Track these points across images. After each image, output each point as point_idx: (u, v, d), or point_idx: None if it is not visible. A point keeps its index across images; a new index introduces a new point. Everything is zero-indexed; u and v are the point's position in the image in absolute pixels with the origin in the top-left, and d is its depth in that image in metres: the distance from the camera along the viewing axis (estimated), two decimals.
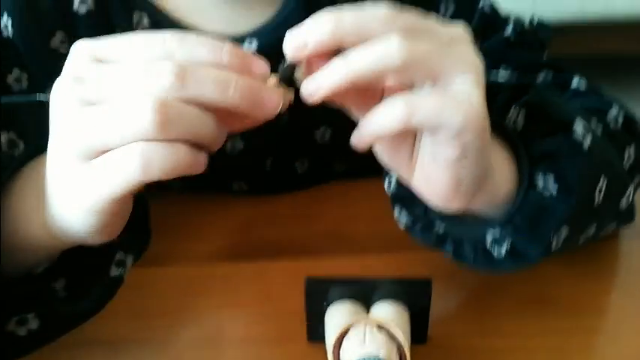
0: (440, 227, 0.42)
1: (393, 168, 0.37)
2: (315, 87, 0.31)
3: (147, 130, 0.28)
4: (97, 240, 0.33)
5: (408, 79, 0.32)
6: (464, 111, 0.31)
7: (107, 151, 0.29)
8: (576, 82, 0.53)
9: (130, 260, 0.38)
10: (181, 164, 0.29)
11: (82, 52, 0.31)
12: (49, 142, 0.32)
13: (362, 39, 0.30)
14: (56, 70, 0.49)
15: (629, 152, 0.46)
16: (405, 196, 0.41)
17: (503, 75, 0.54)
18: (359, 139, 0.32)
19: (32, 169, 0.35)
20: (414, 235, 0.43)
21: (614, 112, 0.48)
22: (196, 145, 0.29)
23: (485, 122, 0.32)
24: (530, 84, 0.42)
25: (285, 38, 0.32)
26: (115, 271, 0.38)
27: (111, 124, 0.29)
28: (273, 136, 0.55)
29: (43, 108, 0.35)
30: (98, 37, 0.31)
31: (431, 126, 0.31)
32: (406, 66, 0.30)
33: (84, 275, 0.37)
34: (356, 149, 0.33)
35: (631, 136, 0.48)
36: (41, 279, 0.36)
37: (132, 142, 0.28)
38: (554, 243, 0.39)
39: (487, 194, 0.37)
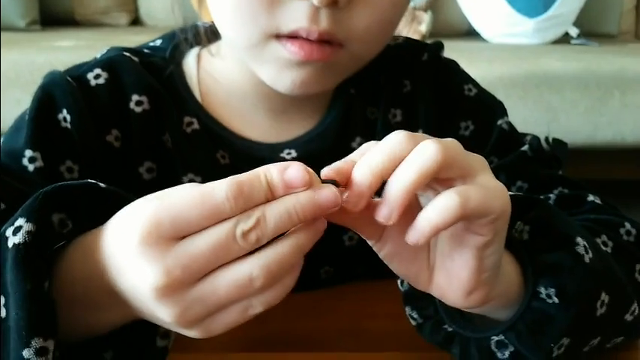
0: (448, 327, 0.44)
1: (410, 277, 0.39)
2: (389, 211, 0.34)
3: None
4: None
5: (445, 176, 0.35)
6: (501, 199, 0.35)
7: None
8: (591, 198, 0.55)
9: (173, 332, 0.39)
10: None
11: (156, 237, 0.32)
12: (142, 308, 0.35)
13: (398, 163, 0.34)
14: (108, 163, 0.51)
15: None
16: (417, 296, 0.44)
17: (519, 188, 0.57)
18: (419, 235, 0.34)
19: (87, 243, 0.37)
20: (423, 334, 0.45)
21: (627, 226, 0.51)
22: None
23: (510, 205, 0.36)
24: (537, 199, 0.45)
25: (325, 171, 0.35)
26: (160, 342, 0.39)
27: (225, 308, 0.34)
28: None
29: (92, 192, 0.38)
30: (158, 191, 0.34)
31: (480, 214, 0.34)
32: (445, 163, 0.33)
33: (130, 346, 0.38)
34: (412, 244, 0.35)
35: None
36: (92, 350, 0.37)
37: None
38: (555, 352, 0.41)
39: (500, 289, 0.39)
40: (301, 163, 0.33)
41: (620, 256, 0.47)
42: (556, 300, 0.40)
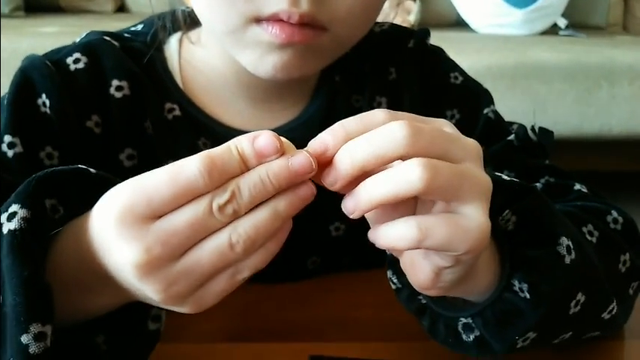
0: (422, 299, 0.44)
1: None
2: (353, 207, 0.34)
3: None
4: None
5: (425, 198, 0.34)
6: (472, 241, 0.33)
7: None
8: (578, 187, 0.55)
9: (164, 315, 0.39)
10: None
11: (132, 218, 0.32)
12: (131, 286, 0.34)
13: (383, 163, 0.33)
14: (88, 149, 0.50)
15: (626, 258, 0.48)
16: (398, 261, 0.43)
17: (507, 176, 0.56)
18: (372, 239, 0.35)
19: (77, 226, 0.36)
20: (399, 299, 0.45)
21: (614, 214, 0.50)
22: None
23: (486, 244, 0.35)
24: (530, 188, 0.44)
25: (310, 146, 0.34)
26: (152, 326, 0.39)
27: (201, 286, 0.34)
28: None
29: (83, 177, 0.38)
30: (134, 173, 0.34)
31: (439, 249, 0.34)
32: (426, 193, 0.32)
33: (122, 330, 0.38)
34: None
35: (629, 240, 0.50)
36: (84, 334, 0.37)
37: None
38: (519, 343, 0.41)
39: (466, 288, 0.39)
40: (271, 132, 0.33)
41: (605, 246, 0.47)
42: (527, 295, 0.40)
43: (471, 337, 0.42)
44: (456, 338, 0.43)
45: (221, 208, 0.32)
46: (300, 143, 0.43)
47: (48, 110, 0.50)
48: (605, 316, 0.45)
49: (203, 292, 0.34)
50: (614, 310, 0.45)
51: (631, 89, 1.62)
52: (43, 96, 0.50)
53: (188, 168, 0.32)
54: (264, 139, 0.32)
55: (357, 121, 0.34)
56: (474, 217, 0.33)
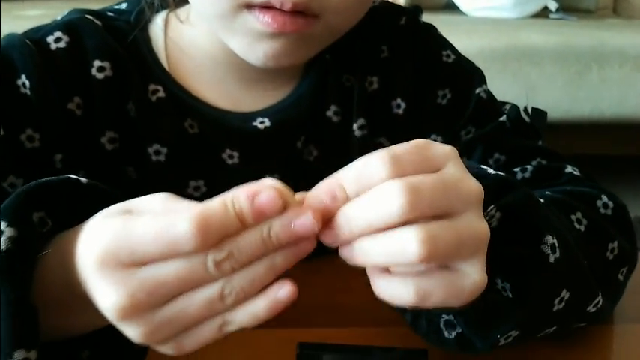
0: None
1: None
2: (349, 258, 0.34)
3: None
4: None
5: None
6: (466, 298, 0.34)
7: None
8: (569, 169, 0.54)
9: None
10: None
11: (115, 263, 0.31)
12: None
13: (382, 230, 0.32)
14: (69, 132, 0.49)
15: (614, 245, 0.47)
16: None
17: (496, 160, 0.56)
18: (374, 290, 0.35)
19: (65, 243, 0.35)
20: None
21: (604, 199, 0.50)
22: None
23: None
24: (515, 183, 0.43)
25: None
26: None
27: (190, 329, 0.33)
28: None
29: (72, 188, 0.36)
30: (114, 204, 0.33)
31: (433, 307, 0.34)
32: (422, 262, 0.32)
33: (108, 345, 0.37)
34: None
35: (619, 226, 0.49)
36: (69, 349, 0.36)
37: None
38: (501, 341, 0.41)
39: None
40: (272, 186, 0.31)
41: (594, 235, 0.46)
42: (510, 295, 0.39)
43: (453, 334, 0.42)
44: (437, 334, 0.42)
45: (217, 264, 0.30)
46: (291, 122, 0.41)
47: (28, 91, 0.48)
48: (591, 309, 0.44)
49: (186, 337, 0.33)
50: (600, 303, 0.44)
51: (621, 72, 1.62)
52: (23, 76, 0.49)
53: (180, 227, 0.29)
54: (266, 197, 0.30)
55: (355, 179, 0.33)
56: (470, 275, 0.34)
